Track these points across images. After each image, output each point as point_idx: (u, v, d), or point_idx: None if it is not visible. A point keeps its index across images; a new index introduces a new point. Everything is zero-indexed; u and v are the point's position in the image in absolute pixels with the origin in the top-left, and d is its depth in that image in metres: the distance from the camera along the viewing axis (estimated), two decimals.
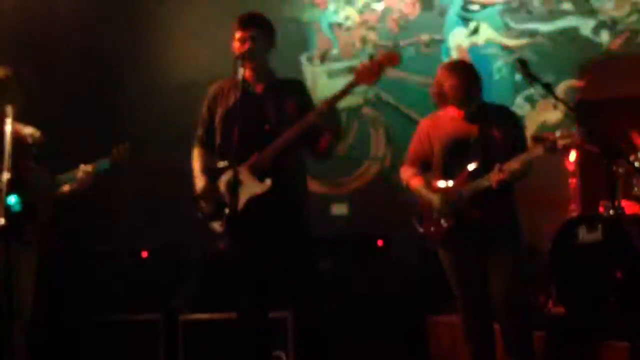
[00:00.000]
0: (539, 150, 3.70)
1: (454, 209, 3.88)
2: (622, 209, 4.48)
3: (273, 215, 3.69)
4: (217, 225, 3.76)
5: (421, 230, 4.09)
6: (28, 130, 4.18)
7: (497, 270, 3.86)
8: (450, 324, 4.78)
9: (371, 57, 3.67)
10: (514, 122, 4.05)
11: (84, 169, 4.09)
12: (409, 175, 4.12)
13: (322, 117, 3.61)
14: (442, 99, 3.99)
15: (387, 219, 5.52)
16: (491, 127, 3.91)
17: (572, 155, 4.87)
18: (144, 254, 5.27)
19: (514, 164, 3.71)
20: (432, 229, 4.01)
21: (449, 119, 4.00)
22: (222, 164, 3.78)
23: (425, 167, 4.12)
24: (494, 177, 3.73)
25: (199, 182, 3.85)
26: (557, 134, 3.68)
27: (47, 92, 5.84)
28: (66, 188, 4.13)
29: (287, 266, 3.79)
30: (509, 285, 3.84)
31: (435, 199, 3.95)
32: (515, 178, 3.76)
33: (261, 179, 3.65)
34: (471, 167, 3.87)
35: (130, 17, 6.14)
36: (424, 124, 4.14)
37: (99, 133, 5.40)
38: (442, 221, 3.93)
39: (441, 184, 3.99)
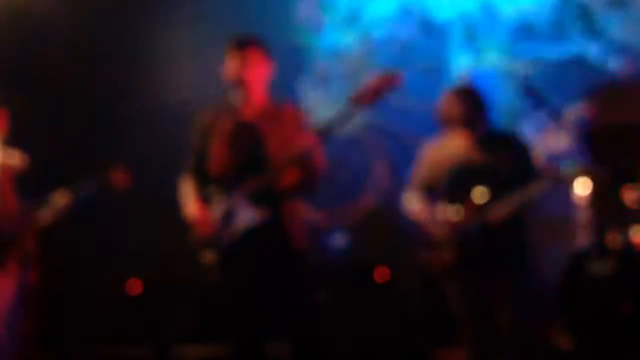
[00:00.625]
0: (541, 185, 3.70)
1: (460, 240, 3.84)
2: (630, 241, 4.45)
3: (268, 245, 3.61)
4: (208, 255, 3.67)
5: (426, 259, 4.02)
6: (14, 158, 4.18)
7: (502, 304, 3.82)
8: (454, 357, 4.71)
9: (369, 80, 3.58)
10: (522, 149, 4.01)
11: (59, 197, 4.08)
12: (413, 203, 4.09)
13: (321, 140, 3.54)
14: (448, 124, 3.97)
15: (389, 250, 5.51)
16: (499, 154, 3.89)
17: (581, 185, 4.76)
18: (134, 286, 5.27)
19: (514, 200, 3.73)
20: (435, 257, 3.96)
21: (455, 145, 3.97)
22: (215, 191, 3.69)
23: (429, 193, 4.08)
24: (498, 212, 3.75)
25: (191, 206, 3.75)
26: (564, 164, 3.62)
27: (39, 113, 5.91)
28: (47, 217, 4.12)
29: (283, 298, 3.70)
30: (514, 319, 3.79)
31: (440, 229, 3.91)
32: (518, 211, 3.76)
33: (255, 208, 3.57)
34: (477, 196, 3.84)
35: (126, 38, 6.17)
36: (429, 149, 4.12)
37: (89, 154, 5.46)
38: (448, 251, 3.88)
39: (447, 212, 3.94)
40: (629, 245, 4.35)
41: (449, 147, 3.98)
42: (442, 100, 4.00)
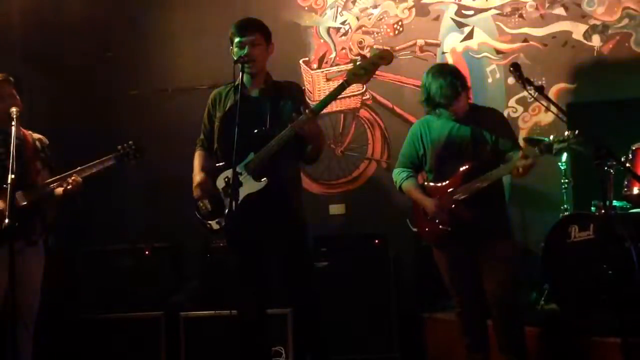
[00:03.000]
0: (522, 161, 3.77)
1: (447, 210, 3.96)
2: (614, 208, 4.55)
3: (270, 214, 3.76)
4: (214, 224, 3.83)
5: (415, 230, 4.19)
6: (36, 136, 4.30)
7: (489, 270, 3.96)
8: (446, 321, 4.84)
9: (363, 56, 3.69)
10: (504, 124, 4.13)
11: (73, 178, 4.09)
12: (402, 178, 4.20)
13: (315, 116, 3.66)
14: (430, 104, 4.06)
15: (384, 218, 5.59)
16: (482, 129, 4.00)
17: (564, 157, 4.97)
18: (146, 252, 5.33)
19: (498, 173, 3.85)
20: (426, 229, 4.11)
21: (440, 122, 4.08)
22: (220, 164, 3.87)
23: (417, 169, 4.21)
24: (480, 184, 3.86)
25: (197, 177, 3.93)
26: (551, 137, 3.76)
27: (50, 95, 5.96)
28: (59, 191, 4.14)
29: (285, 264, 3.86)
30: (501, 285, 3.94)
31: (428, 201, 4.03)
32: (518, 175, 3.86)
33: (257, 179, 3.72)
34: (463, 168, 3.96)
35: (133, 23, 6.22)
36: (416, 127, 4.21)
37: (100, 135, 5.47)
38: (436, 222, 4.01)
39: (434, 185, 4.07)
40: (609, 213, 4.40)
41: (436, 123, 4.08)
42: (422, 81, 4.09)
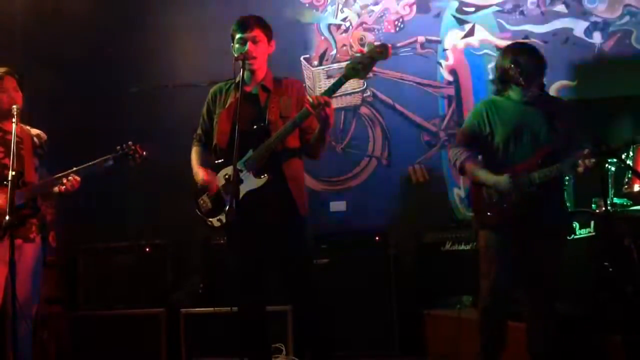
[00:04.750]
0: (587, 161, 3.60)
1: (521, 191, 3.77)
2: (615, 205, 4.54)
3: (271, 210, 3.74)
4: (215, 221, 3.81)
5: (472, 214, 4.04)
6: (34, 132, 4.28)
7: (547, 259, 3.81)
8: (446, 318, 4.85)
9: (361, 52, 3.67)
10: (579, 117, 3.96)
11: (70, 178, 4.03)
12: (463, 157, 3.98)
13: (314, 110, 3.62)
14: (503, 83, 3.91)
15: (384, 215, 5.60)
16: (554, 116, 3.83)
17: None
18: (147, 249, 5.34)
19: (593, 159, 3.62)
20: (488, 213, 3.89)
21: (510, 103, 3.91)
22: (219, 161, 3.84)
23: (477, 149, 4.01)
24: (580, 166, 3.63)
25: (200, 172, 3.89)
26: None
27: (51, 93, 5.96)
28: (56, 190, 4.07)
29: (285, 262, 3.84)
30: (555, 275, 3.83)
31: (502, 178, 3.81)
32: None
33: (257, 176, 3.71)
34: (542, 151, 3.79)
35: (133, 20, 6.23)
36: (481, 106, 4.02)
37: (100, 133, 5.48)
38: (504, 204, 3.81)
39: (504, 167, 3.86)
40: (609, 211, 4.40)
41: (505, 104, 3.91)
42: (499, 58, 3.93)
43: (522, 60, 3.77)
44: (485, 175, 3.88)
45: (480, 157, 4.02)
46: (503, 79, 3.89)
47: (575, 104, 4.21)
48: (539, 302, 3.86)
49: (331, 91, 3.67)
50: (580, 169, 3.62)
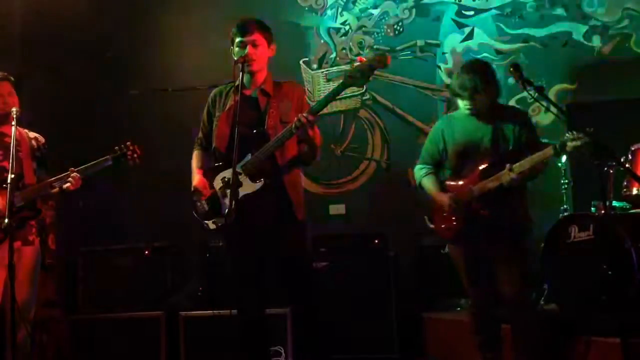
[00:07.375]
0: (549, 151, 3.74)
1: (464, 207, 3.94)
2: (614, 208, 4.55)
3: (268, 214, 3.73)
4: (211, 223, 3.81)
5: (432, 227, 4.15)
6: (32, 135, 4.28)
7: (505, 267, 3.91)
8: (445, 321, 4.87)
9: (360, 60, 3.68)
10: (526, 123, 4.05)
11: (73, 175, 4.08)
12: (421, 174, 4.17)
13: (296, 131, 3.63)
14: (454, 96, 4.04)
15: (384, 218, 5.62)
16: (504, 127, 3.95)
17: (564, 157, 4.94)
18: (146, 252, 5.34)
19: (524, 164, 3.76)
20: (442, 226, 4.07)
21: (462, 119, 4.04)
22: (218, 164, 3.85)
23: (438, 165, 4.16)
24: (504, 177, 3.79)
25: (194, 177, 3.92)
26: (568, 135, 3.72)
27: (51, 95, 5.97)
28: (56, 190, 4.10)
29: (284, 265, 3.83)
30: (516, 282, 3.89)
31: (445, 198, 4.00)
32: (526, 178, 3.83)
33: (254, 180, 3.71)
34: (482, 166, 3.93)
35: (133, 23, 6.24)
36: (439, 123, 4.19)
37: (100, 135, 5.50)
38: (453, 219, 3.99)
39: (453, 183, 4.05)
40: (609, 213, 4.38)
41: (458, 121, 4.04)
42: (455, 73, 4.05)
43: (463, 76, 3.92)
44: (435, 194, 4.07)
45: (448, 173, 4.14)
46: (453, 94, 4.05)
47: (523, 113, 4.27)
48: (511, 311, 3.94)
49: (329, 99, 3.67)
50: (571, 145, 3.67)
